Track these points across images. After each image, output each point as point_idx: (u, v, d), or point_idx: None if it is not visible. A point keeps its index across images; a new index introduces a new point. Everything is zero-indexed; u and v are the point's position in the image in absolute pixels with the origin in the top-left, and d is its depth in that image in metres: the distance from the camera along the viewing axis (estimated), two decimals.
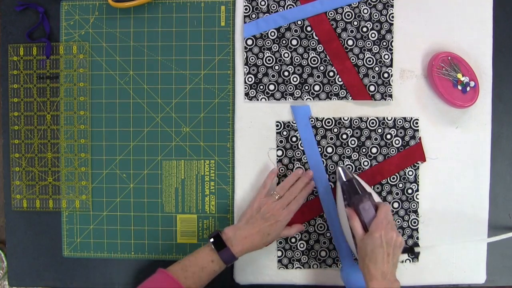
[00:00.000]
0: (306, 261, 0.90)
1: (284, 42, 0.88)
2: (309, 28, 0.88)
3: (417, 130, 0.89)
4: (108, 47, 0.91)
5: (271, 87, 0.89)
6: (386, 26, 0.88)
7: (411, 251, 0.88)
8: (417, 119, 0.89)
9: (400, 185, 0.89)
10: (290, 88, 0.89)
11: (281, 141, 0.89)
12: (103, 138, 0.91)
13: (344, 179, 0.82)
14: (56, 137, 0.92)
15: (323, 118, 0.89)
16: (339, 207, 0.84)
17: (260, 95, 0.89)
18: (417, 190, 0.89)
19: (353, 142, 0.89)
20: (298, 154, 0.89)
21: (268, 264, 0.90)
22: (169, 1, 0.91)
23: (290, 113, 0.89)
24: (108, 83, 0.91)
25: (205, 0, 0.90)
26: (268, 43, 0.88)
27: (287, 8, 0.88)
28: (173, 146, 0.91)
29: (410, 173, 0.89)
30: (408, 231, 0.89)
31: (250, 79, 0.89)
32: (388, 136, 0.89)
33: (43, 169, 0.92)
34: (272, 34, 0.88)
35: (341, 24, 0.88)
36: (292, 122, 0.89)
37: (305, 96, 0.88)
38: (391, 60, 0.88)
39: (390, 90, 0.88)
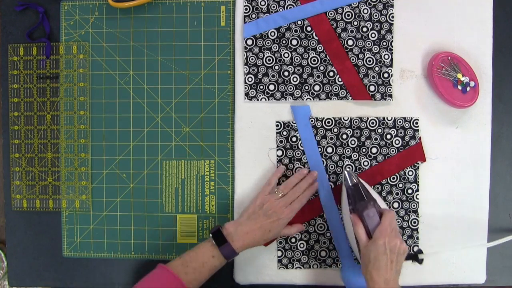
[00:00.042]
0: (306, 261, 0.90)
1: (284, 42, 0.88)
2: (309, 28, 0.88)
3: (417, 130, 0.89)
4: (108, 47, 0.91)
5: (271, 87, 0.89)
6: (386, 26, 0.88)
7: (415, 257, 0.84)
8: (417, 119, 0.88)
9: (400, 185, 0.89)
10: (290, 88, 0.89)
11: (281, 141, 0.89)
12: (103, 138, 0.91)
13: (350, 184, 0.81)
14: (56, 137, 0.92)
15: (323, 118, 0.88)
16: (344, 212, 0.84)
17: (260, 95, 0.89)
18: (417, 190, 0.89)
19: (353, 142, 0.89)
20: (298, 154, 0.89)
21: (268, 264, 0.90)
22: (169, 1, 0.90)
23: (290, 113, 0.89)
24: (108, 83, 0.91)
25: (205, 0, 0.90)
26: (268, 43, 0.88)
27: (287, 8, 0.88)
28: (173, 146, 0.91)
29: (410, 173, 0.89)
30: (408, 231, 0.89)
31: (250, 79, 0.89)
32: (388, 136, 0.88)
33: (43, 169, 0.92)
34: (272, 34, 0.88)
35: (341, 24, 0.88)
36: (292, 122, 0.89)
37: (305, 96, 0.88)
38: (391, 60, 0.88)
39: (390, 90, 0.88)
